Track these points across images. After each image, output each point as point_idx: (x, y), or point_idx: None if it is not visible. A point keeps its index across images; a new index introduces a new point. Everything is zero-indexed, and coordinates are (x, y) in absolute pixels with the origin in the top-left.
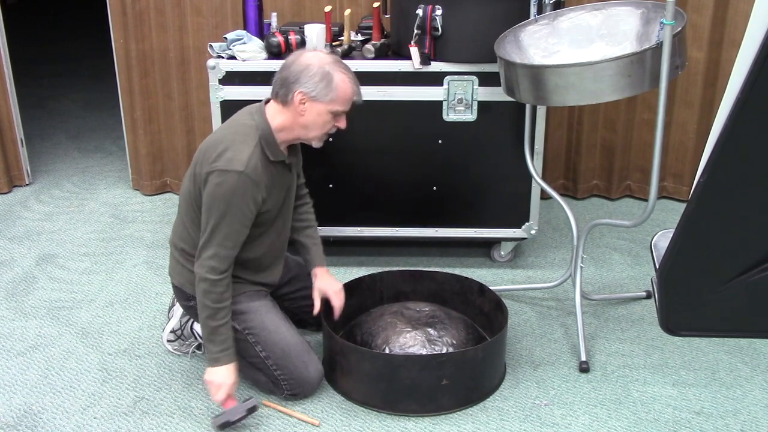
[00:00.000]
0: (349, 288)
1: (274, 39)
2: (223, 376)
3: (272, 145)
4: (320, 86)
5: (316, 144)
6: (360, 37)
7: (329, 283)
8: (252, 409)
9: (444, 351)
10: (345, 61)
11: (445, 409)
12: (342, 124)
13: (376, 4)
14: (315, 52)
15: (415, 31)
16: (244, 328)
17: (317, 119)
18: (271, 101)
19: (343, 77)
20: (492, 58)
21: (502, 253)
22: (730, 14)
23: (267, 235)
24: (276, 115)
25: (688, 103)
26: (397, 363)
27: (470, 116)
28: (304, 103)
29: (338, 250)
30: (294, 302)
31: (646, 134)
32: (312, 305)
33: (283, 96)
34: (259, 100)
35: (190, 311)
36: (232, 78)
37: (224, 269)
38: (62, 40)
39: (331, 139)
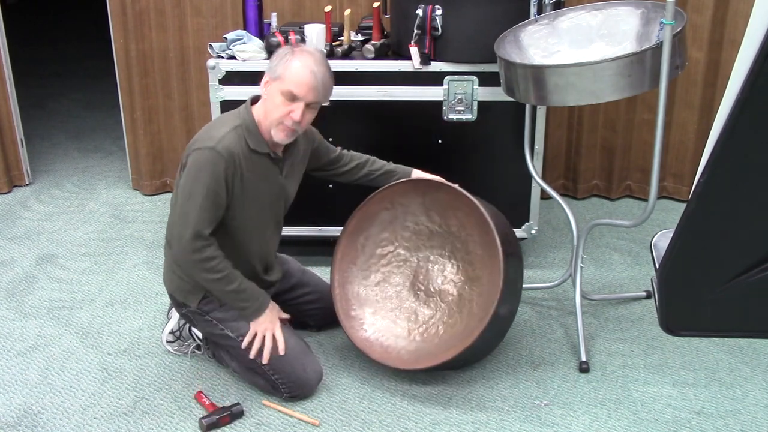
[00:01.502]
0: None
1: (274, 39)
2: (267, 319)
3: (254, 134)
4: (274, 63)
5: (280, 137)
6: (360, 37)
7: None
8: (237, 414)
9: None
10: (343, 61)
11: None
12: (295, 114)
13: (376, 4)
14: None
15: (415, 31)
16: (237, 336)
17: (272, 102)
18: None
19: (302, 63)
20: (492, 58)
21: None
22: (730, 14)
23: (250, 242)
24: (259, 105)
25: (688, 103)
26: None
27: (470, 116)
28: (267, 85)
29: None
30: (297, 306)
31: (646, 134)
32: (314, 308)
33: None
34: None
35: (185, 318)
36: (232, 78)
37: (206, 244)
38: (62, 40)
39: (330, 140)
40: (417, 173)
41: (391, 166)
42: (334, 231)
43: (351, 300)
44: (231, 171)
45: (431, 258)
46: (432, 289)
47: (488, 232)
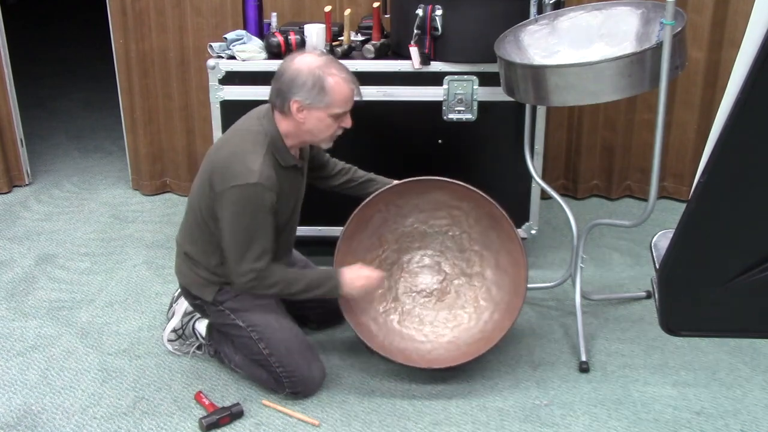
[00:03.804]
0: None
1: (274, 39)
2: (348, 281)
3: (282, 151)
4: (313, 93)
5: (325, 145)
6: (360, 37)
7: None
8: (237, 414)
9: None
10: (343, 61)
11: None
12: (347, 123)
13: (376, 4)
14: (305, 55)
15: (415, 31)
16: (248, 326)
17: (319, 124)
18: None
19: (336, 79)
20: (492, 58)
21: None
22: (730, 14)
23: (275, 244)
24: (281, 122)
25: (688, 103)
26: None
27: (470, 116)
28: (302, 112)
29: None
30: (298, 302)
31: (646, 134)
32: (315, 303)
33: (280, 106)
34: (259, 101)
35: (197, 308)
36: (232, 78)
37: (266, 273)
38: (62, 40)
39: None
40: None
41: (372, 175)
42: (334, 231)
43: (354, 308)
44: (276, 196)
45: (418, 259)
46: (426, 290)
47: (498, 224)
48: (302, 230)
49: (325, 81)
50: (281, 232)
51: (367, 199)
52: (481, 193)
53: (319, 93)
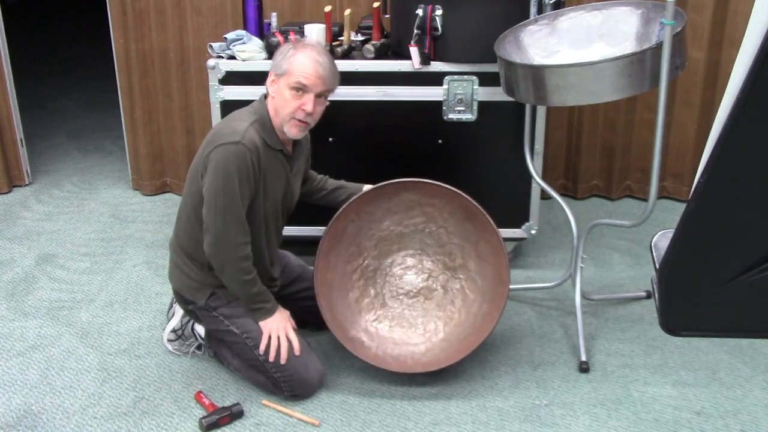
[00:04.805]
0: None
1: (274, 39)
2: (279, 319)
3: (269, 131)
4: (278, 60)
5: (292, 132)
6: (360, 37)
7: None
8: (237, 414)
9: None
10: (343, 61)
11: None
12: (306, 105)
13: (376, 4)
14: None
15: (415, 31)
16: (242, 332)
17: (280, 99)
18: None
19: (305, 54)
20: (492, 58)
21: None
22: (730, 14)
23: (259, 239)
24: (269, 104)
25: (688, 103)
26: None
27: (470, 116)
28: (273, 86)
29: None
30: (297, 302)
31: (646, 134)
32: (314, 304)
33: (267, 87)
34: None
35: (190, 314)
36: (231, 78)
37: (247, 241)
38: (62, 40)
39: (330, 139)
40: (369, 189)
41: (341, 182)
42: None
43: (343, 323)
44: (256, 164)
45: (400, 261)
46: (413, 291)
47: (472, 215)
48: (302, 230)
49: (293, 51)
50: (264, 225)
51: (337, 212)
52: (449, 187)
53: (282, 60)
